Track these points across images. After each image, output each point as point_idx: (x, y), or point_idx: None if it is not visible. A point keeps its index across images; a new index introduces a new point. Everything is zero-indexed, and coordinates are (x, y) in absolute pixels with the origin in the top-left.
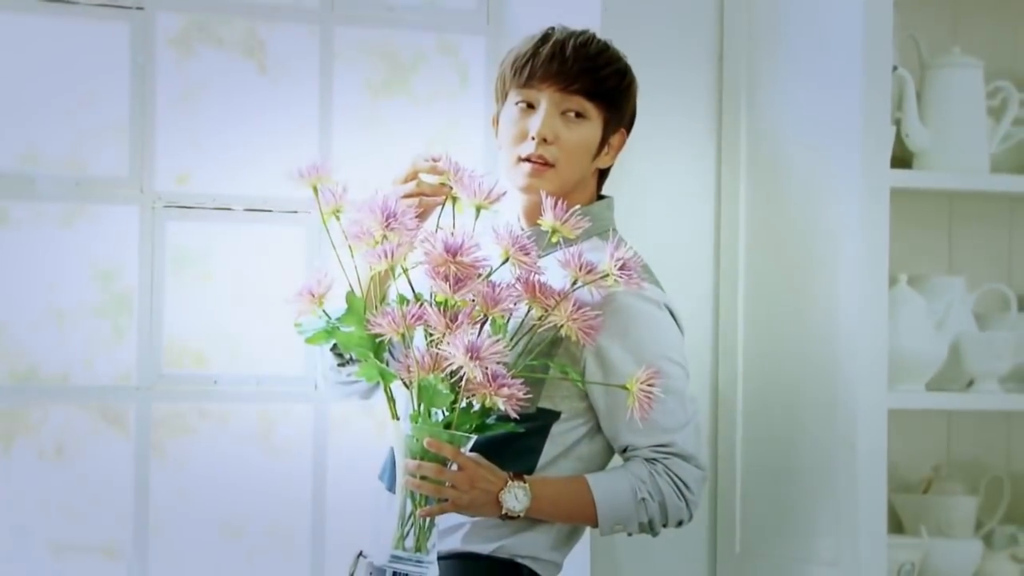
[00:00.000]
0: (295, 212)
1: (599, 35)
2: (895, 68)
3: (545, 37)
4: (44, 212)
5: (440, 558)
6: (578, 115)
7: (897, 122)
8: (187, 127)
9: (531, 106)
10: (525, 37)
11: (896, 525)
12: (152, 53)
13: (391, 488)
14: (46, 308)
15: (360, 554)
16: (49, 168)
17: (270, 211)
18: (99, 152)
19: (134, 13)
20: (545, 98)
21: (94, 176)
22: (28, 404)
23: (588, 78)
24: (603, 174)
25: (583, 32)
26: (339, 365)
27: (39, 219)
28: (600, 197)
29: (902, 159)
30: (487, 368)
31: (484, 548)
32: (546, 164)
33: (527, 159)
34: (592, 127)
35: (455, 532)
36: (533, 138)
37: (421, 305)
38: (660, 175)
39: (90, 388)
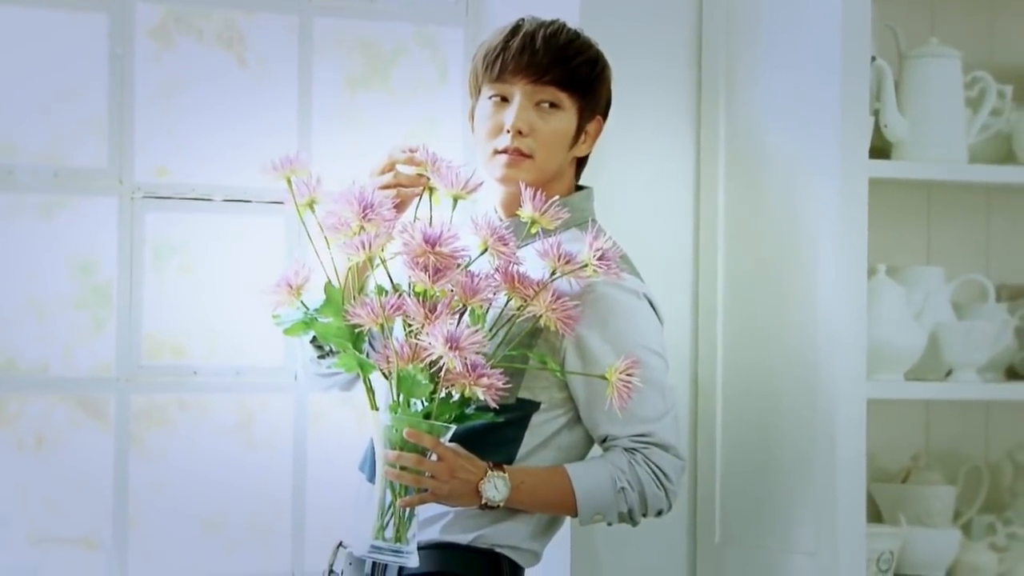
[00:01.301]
0: (274, 203)
1: (578, 27)
2: (873, 59)
3: (515, 29)
4: (23, 203)
5: (419, 548)
6: (552, 105)
7: (875, 113)
8: (166, 118)
9: (505, 99)
10: (495, 30)
11: (875, 514)
12: (131, 44)
13: (371, 479)
14: (25, 299)
15: (340, 545)
16: (27, 159)
17: (249, 202)
18: (78, 143)
19: (113, 3)
20: (518, 91)
21: (73, 167)
22: (7, 395)
23: (559, 68)
24: (581, 163)
25: (553, 22)
26: (319, 357)
27: (18, 210)
28: (579, 188)
29: (880, 149)
30: (466, 358)
31: (463, 538)
32: (523, 155)
33: (503, 151)
34: (567, 117)
35: (435, 523)
36: (508, 131)
37: (400, 296)
38: (639, 166)
39: (69, 379)
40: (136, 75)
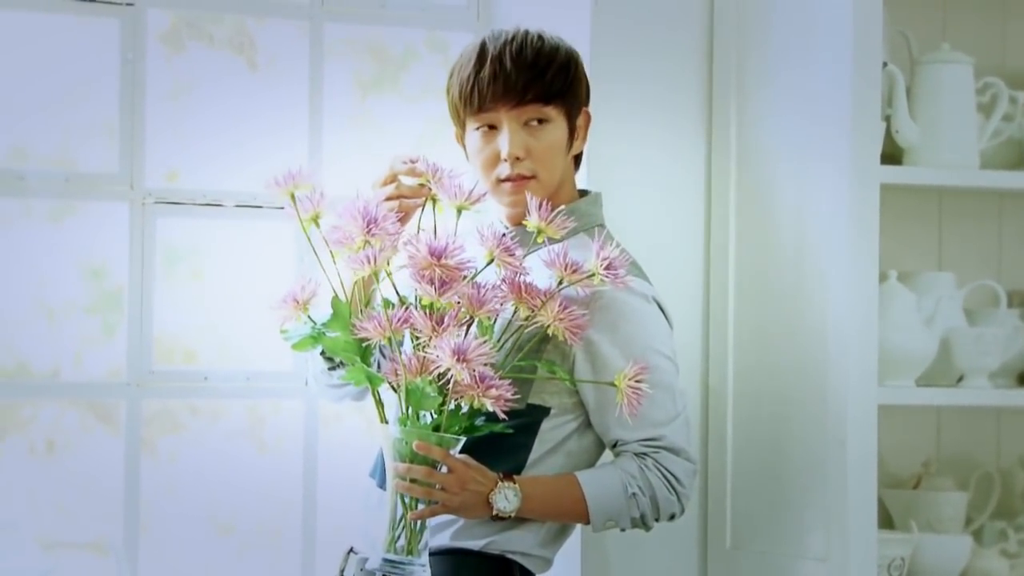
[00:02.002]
0: (285, 208)
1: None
2: (885, 64)
3: (481, 55)
4: (34, 209)
5: (430, 554)
6: (540, 121)
7: (887, 118)
8: (177, 123)
9: (492, 127)
10: (462, 54)
11: (886, 520)
12: (142, 49)
13: (381, 485)
14: (36, 304)
15: (351, 550)
16: (39, 164)
17: (260, 207)
18: (89, 148)
19: (124, 9)
20: (502, 116)
21: (84, 172)
22: (18, 400)
23: (536, 86)
24: (578, 157)
25: (515, 36)
26: (329, 369)
27: (29, 216)
28: (582, 193)
29: (892, 155)
30: (474, 370)
31: (474, 544)
32: (526, 179)
33: (507, 180)
34: (557, 127)
35: (446, 528)
36: (505, 159)
37: (407, 309)
38: (650, 171)
39: (80, 384)
40: (147, 80)
